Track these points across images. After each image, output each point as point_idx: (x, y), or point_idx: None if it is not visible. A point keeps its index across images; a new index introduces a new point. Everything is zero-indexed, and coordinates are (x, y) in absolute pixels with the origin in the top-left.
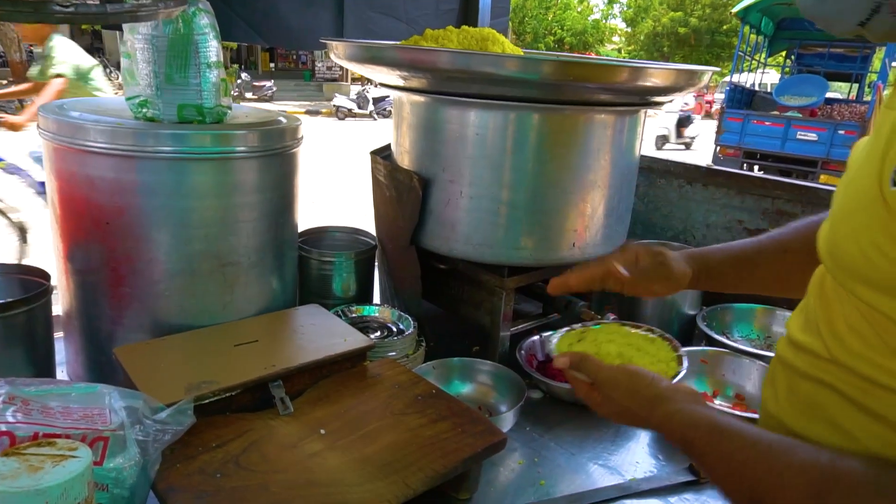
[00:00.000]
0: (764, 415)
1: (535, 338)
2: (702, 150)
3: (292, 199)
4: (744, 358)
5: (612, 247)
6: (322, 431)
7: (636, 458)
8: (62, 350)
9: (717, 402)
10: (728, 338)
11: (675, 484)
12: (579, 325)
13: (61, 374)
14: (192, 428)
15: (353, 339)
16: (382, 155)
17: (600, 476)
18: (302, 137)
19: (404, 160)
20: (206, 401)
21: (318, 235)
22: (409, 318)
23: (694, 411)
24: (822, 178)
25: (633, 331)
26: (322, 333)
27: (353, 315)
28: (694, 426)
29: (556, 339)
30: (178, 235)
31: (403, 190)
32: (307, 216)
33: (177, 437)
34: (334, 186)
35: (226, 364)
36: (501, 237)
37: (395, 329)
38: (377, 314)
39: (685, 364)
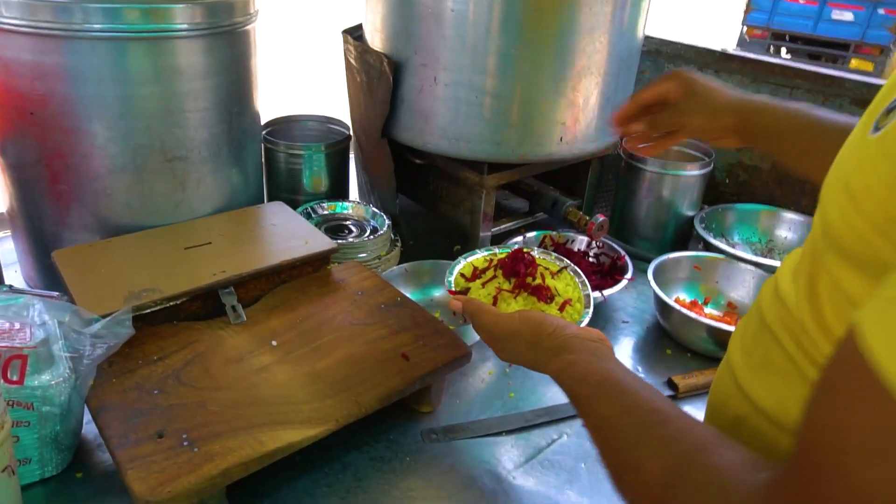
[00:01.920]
0: (724, 358)
1: (519, 238)
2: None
3: (249, 85)
4: (739, 264)
5: (605, 142)
6: (274, 343)
7: None
8: (13, 251)
9: (708, 310)
10: (727, 241)
11: None
12: (485, 251)
13: (15, 274)
14: (133, 339)
15: (314, 242)
16: (355, 34)
17: None
18: (257, 12)
19: (375, 41)
20: (148, 310)
21: (286, 125)
22: (384, 217)
23: (589, 365)
24: (853, 62)
25: (541, 257)
26: (282, 235)
27: (324, 212)
28: (583, 381)
29: (456, 269)
30: (114, 128)
31: (374, 75)
32: (275, 103)
33: (113, 351)
34: (308, 68)
35: (173, 269)
36: (481, 130)
37: (368, 228)
38: (350, 211)
39: (591, 306)
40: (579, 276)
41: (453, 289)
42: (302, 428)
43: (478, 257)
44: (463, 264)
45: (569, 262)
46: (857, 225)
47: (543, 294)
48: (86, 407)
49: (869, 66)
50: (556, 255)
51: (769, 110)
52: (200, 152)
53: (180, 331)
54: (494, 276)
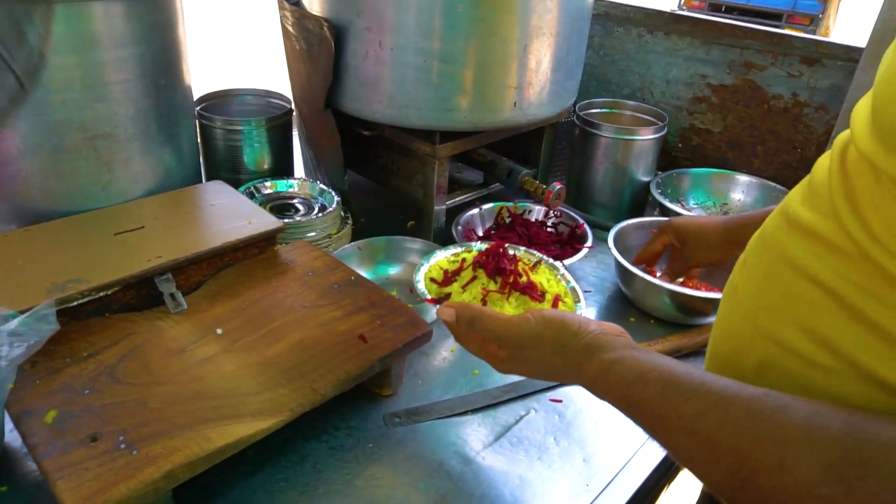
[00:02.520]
0: (725, 307)
1: (475, 210)
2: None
3: (177, 55)
4: None
5: (559, 107)
6: (218, 331)
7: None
8: None
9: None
10: (683, 205)
11: None
12: (449, 251)
13: None
14: (59, 335)
15: (259, 221)
16: None
17: None
18: None
19: (314, 5)
20: (75, 303)
21: (222, 100)
22: (332, 193)
23: (638, 360)
24: (786, 31)
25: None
26: (223, 215)
27: (268, 191)
28: (641, 381)
29: (422, 274)
30: (24, 103)
31: (314, 41)
32: (209, 77)
33: (35, 350)
34: (243, 37)
35: (102, 257)
36: (430, 97)
37: (316, 206)
38: (296, 189)
39: (582, 299)
40: (556, 268)
41: (429, 296)
42: (253, 421)
43: (441, 258)
44: (427, 267)
45: (542, 255)
46: None
47: (534, 291)
48: (6, 413)
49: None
50: (524, 248)
51: (753, 221)
52: (126, 129)
53: (113, 324)
54: (475, 277)
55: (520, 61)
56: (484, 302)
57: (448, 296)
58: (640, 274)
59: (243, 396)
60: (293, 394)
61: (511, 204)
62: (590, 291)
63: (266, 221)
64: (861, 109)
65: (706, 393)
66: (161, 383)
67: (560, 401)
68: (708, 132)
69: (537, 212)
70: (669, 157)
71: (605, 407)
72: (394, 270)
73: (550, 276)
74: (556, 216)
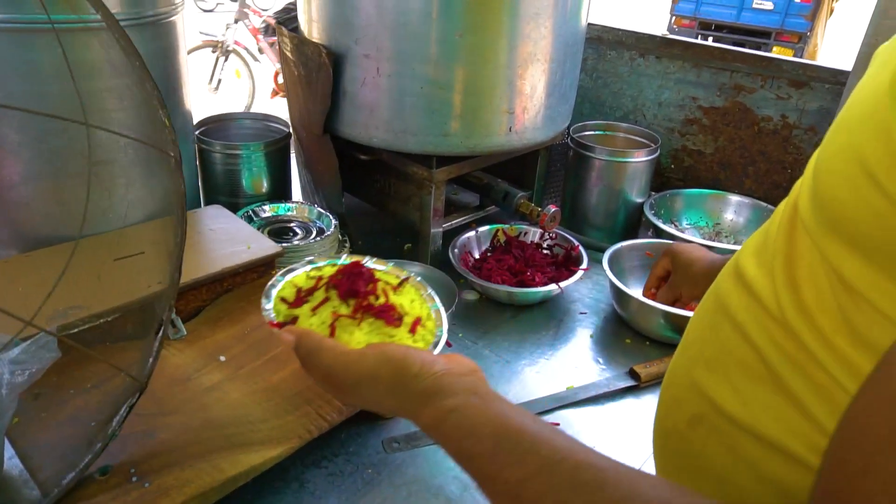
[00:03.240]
0: (676, 351)
1: (471, 233)
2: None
3: (178, 81)
4: None
5: (554, 130)
6: (222, 358)
7: (576, 361)
8: None
9: None
10: (676, 226)
11: (615, 390)
12: (312, 265)
13: None
14: (61, 364)
15: (257, 246)
16: (289, 25)
17: (537, 385)
18: (183, 2)
19: (312, 31)
20: (76, 330)
21: (221, 124)
22: (330, 217)
23: (475, 410)
24: (775, 49)
25: (377, 269)
26: (222, 240)
27: (267, 215)
28: (474, 435)
29: (274, 293)
30: (26, 130)
31: (312, 68)
32: (207, 101)
33: (36, 378)
34: (242, 63)
35: (102, 283)
36: (427, 122)
37: (314, 229)
38: (294, 213)
39: (444, 322)
40: (424, 288)
41: (274, 319)
42: (262, 449)
43: (298, 274)
44: (282, 284)
45: (409, 272)
46: (874, 203)
47: (391, 315)
48: (7, 441)
49: (789, 53)
50: (392, 264)
51: None
52: (127, 154)
53: (116, 352)
54: (327, 299)
55: (514, 87)
56: (333, 328)
57: (294, 320)
58: (635, 295)
59: (251, 424)
60: (300, 420)
61: (507, 226)
62: (585, 313)
63: (265, 246)
64: (808, 171)
65: (535, 455)
66: (168, 413)
67: (557, 424)
68: (700, 153)
69: (533, 234)
70: (662, 178)
71: (603, 429)
72: None
73: (415, 295)
74: (551, 238)
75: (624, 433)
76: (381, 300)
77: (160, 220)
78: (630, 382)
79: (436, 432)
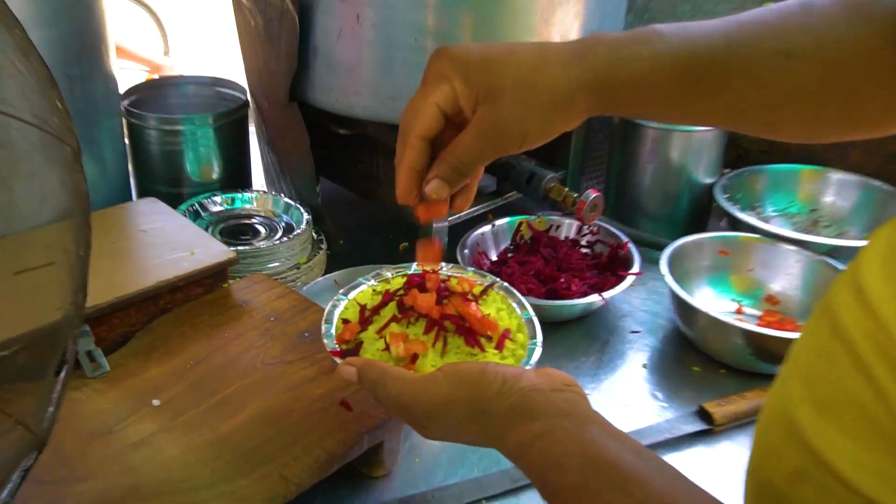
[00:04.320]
0: (776, 382)
1: (486, 228)
2: None
3: (96, 38)
4: (779, 245)
5: None
6: (155, 402)
7: (626, 398)
8: None
9: (746, 309)
10: (758, 214)
11: (680, 436)
12: (373, 278)
13: None
14: None
15: (204, 251)
16: None
17: None
18: None
19: None
20: None
21: (157, 92)
22: (301, 210)
23: (567, 435)
24: None
25: (452, 274)
26: (158, 244)
27: (217, 209)
28: (559, 466)
29: (337, 314)
30: None
31: (274, 16)
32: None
33: None
34: (184, 12)
35: None
36: None
37: (280, 226)
38: (254, 205)
39: (538, 335)
40: (511, 293)
41: (337, 347)
42: None
43: (363, 290)
44: (345, 303)
45: (493, 276)
46: None
47: (471, 333)
48: None
49: None
50: (473, 268)
51: (627, 70)
52: (28, 136)
53: (12, 398)
54: (394, 318)
55: (538, 35)
56: (411, 355)
57: (358, 346)
58: (705, 309)
59: (193, 492)
60: (258, 485)
61: (533, 218)
62: (638, 332)
63: (214, 251)
64: None
65: (626, 497)
66: (82, 479)
67: None
68: None
69: (567, 227)
70: (739, 151)
71: None
72: None
73: (503, 304)
74: (591, 233)
75: None
76: (456, 309)
77: (74, 221)
78: (700, 426)
79: (522, 461)
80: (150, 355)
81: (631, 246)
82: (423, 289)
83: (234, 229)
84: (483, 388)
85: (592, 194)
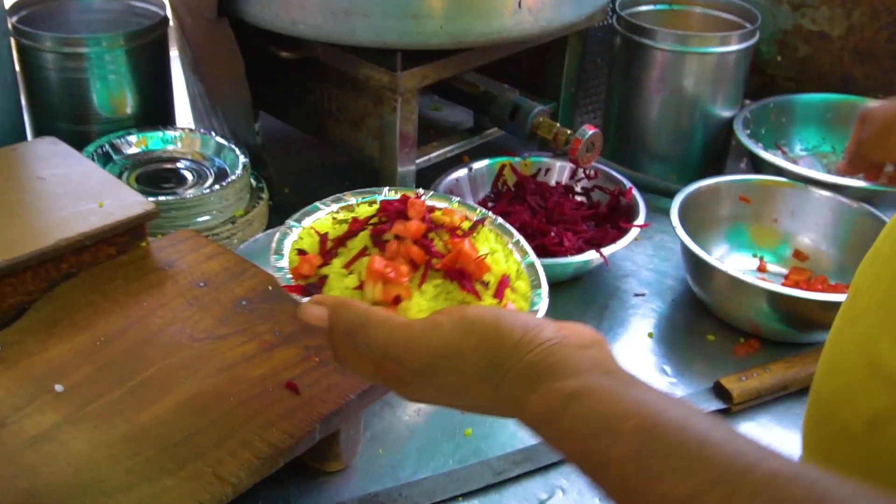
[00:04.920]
0: (837, 324)
1: (462, 172)
2: None
3: None
4: (811, 189)
5: (590, 5)
6: (58, 388)
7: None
8: None
9: (770, 266)
10: (784, 153)
11: None
12: (337, 204)
13: None
14: None
15: (116, 202)
16: None
17: None
18: None
19: None
20: None
21: (53, 6)
22: (236, 151)
23: (612, 395)
24: None
25: (437, 204)
26: (59, 194)
27: (132, 151)
28: (609, 431)
29: (288, 244)
30: None
31: None
32: None
33: None
34: None
35: None
36: None
37: (210, 172)
38: (179, 146)
39: (543, 283)
40: (507, 231)
41: (291, 281)
42: None
43: (320, 217)
44: (298, 232)
45: (483, 208)
46: None
47: (466, 276)
48: None
49: None
50: (457, 198)
51: None
52: None
53: None
54: (366, 251)
55: None
56: (392, 298)
57: (322, 281)
58: (722, 267)
59: (106, 496)
60: (186, 486)
61: (518, 160)
62: (643, 295)
63: (128, 202)
64: None
65: (706, 463)
66: None
67: None
68: (822, 37)
69: (559, 171)
70: (764, 78)
71: None
72: None
73: (498, 244)
74: (588, 178)
75: None
76: (446, 247)
77: None
78: (716, 405)
79: (549, 427)
80: (51, 330)
81: (635, 192)
82: (404, 217)
83: (154, 176)
84: (499, 338)
85: (589, 131)
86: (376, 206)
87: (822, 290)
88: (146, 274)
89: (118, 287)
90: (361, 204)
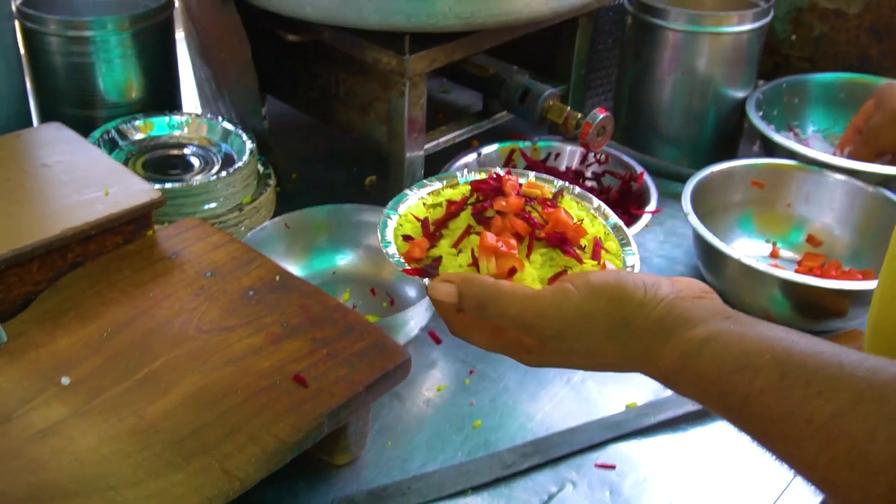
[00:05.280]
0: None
1: (471, 156)
2: None
3: None
4: (825, 173)
5: None
6: (65, 381)
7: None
8: None
9: (783, 252)
10: (797, 136)
11: (701, 410)
12: (423, 189)
13: None
14: None
15: (122, 189)
16: None
17: (578, 404)
18: None
19: None
20: None
21: None
22: (243, 136)
23: (741, 336)
24: None
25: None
26: (64, 181)
27: (139, 137)
28: (747, 367)
29: (389, 230)
30: None
31: None
32: None
33: None
34: None
35: None
36: None
37: (217, 158)
38: (185, 131)
39: (632, 242)
40: (587, 198)
41: (407, 266)
42: None
43: (414, 202)
44: (396, 220)
45: (560, 180)
46: None
47: (568, 242)
48: None
49: None
50: (534, 175)
51: None
52: None
53: None
54: (470, 229)
55: None
56: (508, 270)
57: (438, 262)
58: (735, 255)
59: (113, 491)
60: (194, 481)
61: (527, 144)
62: None
63: (135, 190)
64: None
65: (848, 382)
66: None
67: (613, 466)
68: (839, 14)
69: (569, 156)
70: (778, 58)
71: (685, 472)
72: (344, 260)
73: (581, 210)
74: (598, 162)
75: (716, 476)
76: (548, 221)
77: None
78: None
79: (685, 374)
80: (58, 322)
81: (647, 177)
82: (502, 194)
83: (161, 162)
84: (624, 298)
85: (600, 115)
86: (463, 187)
87: (837, 277)
88: (153, 264)
89: (125, 277)
90: (446, 187)
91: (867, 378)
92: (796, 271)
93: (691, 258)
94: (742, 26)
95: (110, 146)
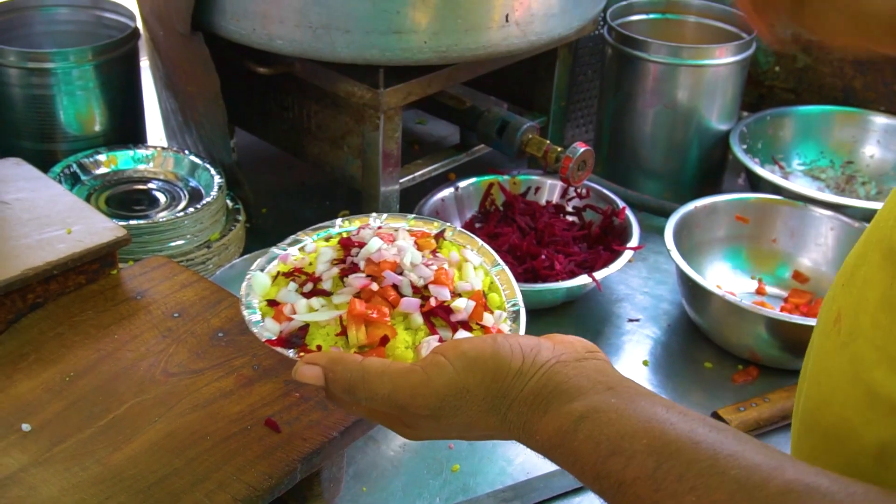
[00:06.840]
0: (820, 350)
1: (448, 191)
2: None
3: None
4: (810, 209)
5: (581, 18)
6: (25, 427)
7: None
8: None
9: (769, 288)
10: (782, 169)
11: None
12: (288, 247)
13: None
14: None
15: (85, 228)
16: None
17: None
18: None
19: None
20: None
21: (17, 17)
22: (211, 171)
23: (621, 414)
24: None
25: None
26: (24, 220)
27: (102, 172)
28: (622, 452)
29: (257, 294)
30: None
31: None
32: None
33: None
34: None
35: None
36: (368, 10)
37: (184, 193)
38: (151, 165)
39: (518, 294)
40: (472, 241)
41: (273, 336)
42: None
43: (282, 262)
44: (266, 277)
45: (442, 221)
46: None
47: (446, 310)
48: None
49: None
50: (413, 216)
51: None
52: None
53: None
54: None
55: None
56: (380, 339)
57: (304, 331)
58: (719, 292)
59: None
60: None
61: (506, 178)
62: (638, 320)
63: (98, 228)
64: None
65: (720, 480)
66: None
67: None
68: (823, 46)
69: (549, 190)
70: (762, 90)
71: None
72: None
73: (456, 252)
74: (580, 197)
75: None
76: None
77: None
78: None
79: (562, 451)
80: (17, 365)
81: (628, 212)
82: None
83: (125, 198)
84: (500, 369)
85: (580, 148)
86: (333, 241)
87: None
88: (117, 304)
89: (88, 318)
90: (318, 240)
91: (740, 479)
92: (782, 309)
93: (676, 295)
94: (723, 59)
95: (72, 181)
